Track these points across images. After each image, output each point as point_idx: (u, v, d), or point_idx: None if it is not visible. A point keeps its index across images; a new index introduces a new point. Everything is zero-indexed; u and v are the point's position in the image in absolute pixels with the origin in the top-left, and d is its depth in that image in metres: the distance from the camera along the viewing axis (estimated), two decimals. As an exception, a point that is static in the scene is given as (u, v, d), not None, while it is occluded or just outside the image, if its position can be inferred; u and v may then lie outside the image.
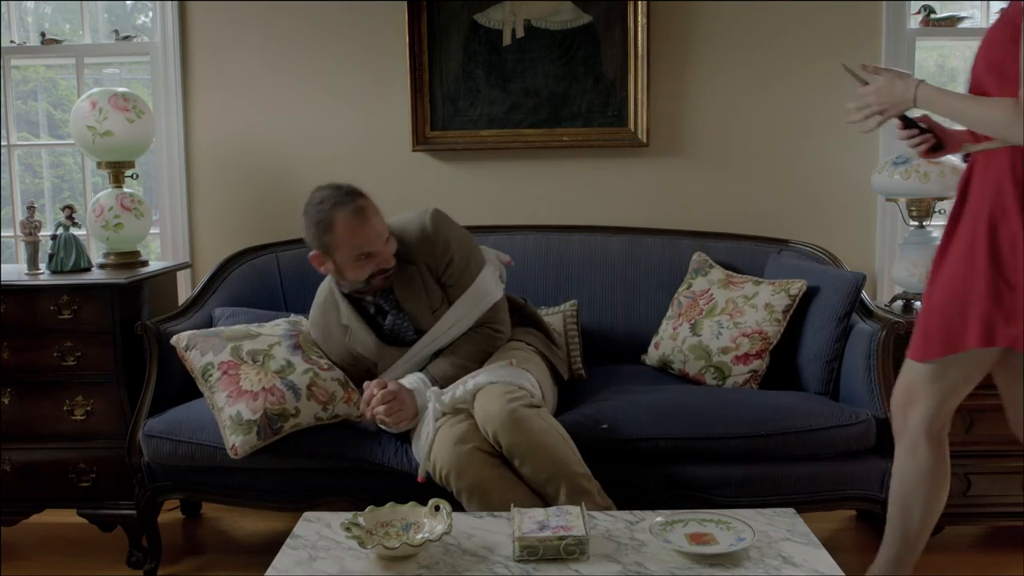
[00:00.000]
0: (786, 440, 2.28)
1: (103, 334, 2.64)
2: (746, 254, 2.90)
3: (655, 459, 2.31)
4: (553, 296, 2.90)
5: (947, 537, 2.65)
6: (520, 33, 3.10)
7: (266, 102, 3.21)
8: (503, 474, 2.08)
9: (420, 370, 2.34)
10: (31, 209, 2.86)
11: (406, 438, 2.31)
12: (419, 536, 1.72)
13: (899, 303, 2.81)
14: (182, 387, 2.55)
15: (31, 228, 2.85)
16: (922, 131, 1.99)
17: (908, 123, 1.99)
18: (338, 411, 2.34)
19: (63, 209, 2.89)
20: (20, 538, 2.85)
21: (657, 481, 2.31)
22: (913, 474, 1.96)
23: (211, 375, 2.35)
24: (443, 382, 2.26)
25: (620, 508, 2.00)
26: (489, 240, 2.89)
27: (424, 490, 2.08)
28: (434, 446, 2.12)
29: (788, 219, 3.13)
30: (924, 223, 2.80)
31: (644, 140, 3.11)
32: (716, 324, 2.60)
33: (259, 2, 3.16)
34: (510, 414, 2.05)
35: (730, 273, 2.77)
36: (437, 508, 1.78)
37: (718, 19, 3.10)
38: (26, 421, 2.66)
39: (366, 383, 2.27)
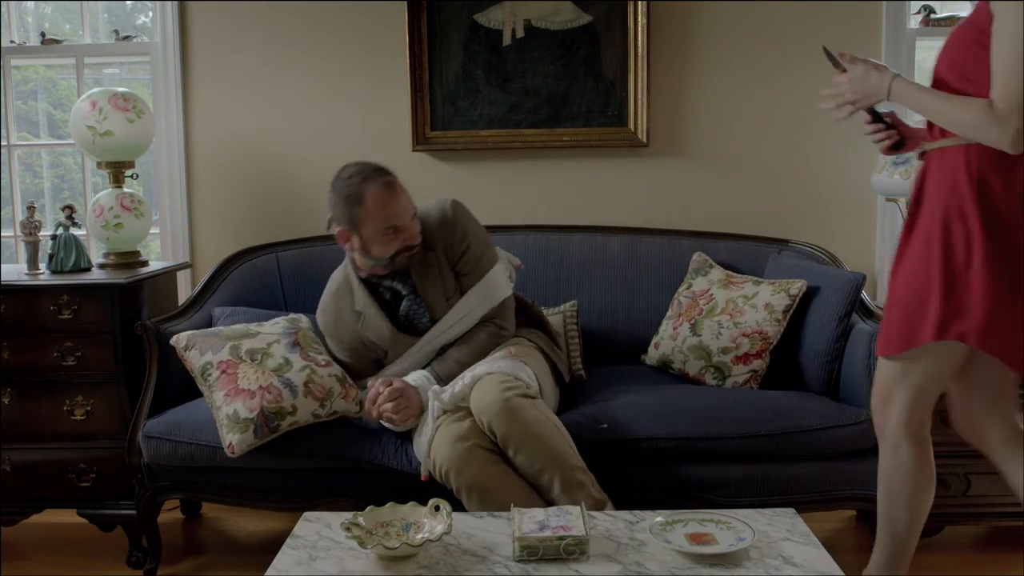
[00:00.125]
0: (786, 440, 2.28)
1: (103, 334, 2.64)
2: (746, 254, 2.90)
3: (655, 459, 2.31)
4: (553, 296, 2.90)
5: (947, 537, 2.65)
6: (520, 33, 3.10)
7: (266, 102, 3.21)
8: (503, 471, 2.08)
9: (424, 367, 2.35)
10: (31, 209, 2.86)
11: (407, 437, 2.31)
12: (419, 536, 1.72)
13: (899, 303, 2.80)
14: (182, 387, 2.55)
15: (31, 228, 2.85)
16: (887, 126, 2.00)
17: (875, 117, 2.00)
18: (336, 407, 2.34)
19: (63, 209, 2.89)
20: (20, 538, 2.85)
21: (657, 481, 2.31)
22: (896, 475, 1.96)
23: (210, 374, 2.35)
24: (447, 379, 2.27)
25: (620, 508, 2.00)
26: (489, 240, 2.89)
27: (424, 490, 2.08)
28: (434, 444, 2.12)
29: (788, 219, 3.13)
30: (924, 223, 2.79)
31: (644, 140, 3.11)
32: (716, 324, 2.60)
33: (259, 2, 3.16)
34: (505, 403, 2.06)
35: (730, 273, 2.77)
36: (437, 508, 1.78)
37: (718, 19, 3.10)
38: (26, 421, 2.66)
39: (371, 381, 2.28)
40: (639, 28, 3.05)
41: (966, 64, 1.80)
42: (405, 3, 3.06)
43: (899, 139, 2.01)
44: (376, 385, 2.23)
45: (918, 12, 3.10)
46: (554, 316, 2.76)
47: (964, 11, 3.16)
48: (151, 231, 3.12)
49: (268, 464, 2.37)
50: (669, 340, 2.70)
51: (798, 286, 2.56)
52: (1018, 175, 1.80)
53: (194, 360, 2.40)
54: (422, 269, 2.36)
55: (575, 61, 3.10)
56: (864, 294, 2.55)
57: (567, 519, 1.74)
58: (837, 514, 2.87)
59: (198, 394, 2.51)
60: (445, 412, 2.18)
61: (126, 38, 3.26)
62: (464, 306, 2.38)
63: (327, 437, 2.34)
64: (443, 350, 2.40)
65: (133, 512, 2.57)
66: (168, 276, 3.02)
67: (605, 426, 2.30)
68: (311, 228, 3.14)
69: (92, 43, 3.32)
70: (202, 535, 2.94)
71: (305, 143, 3.22)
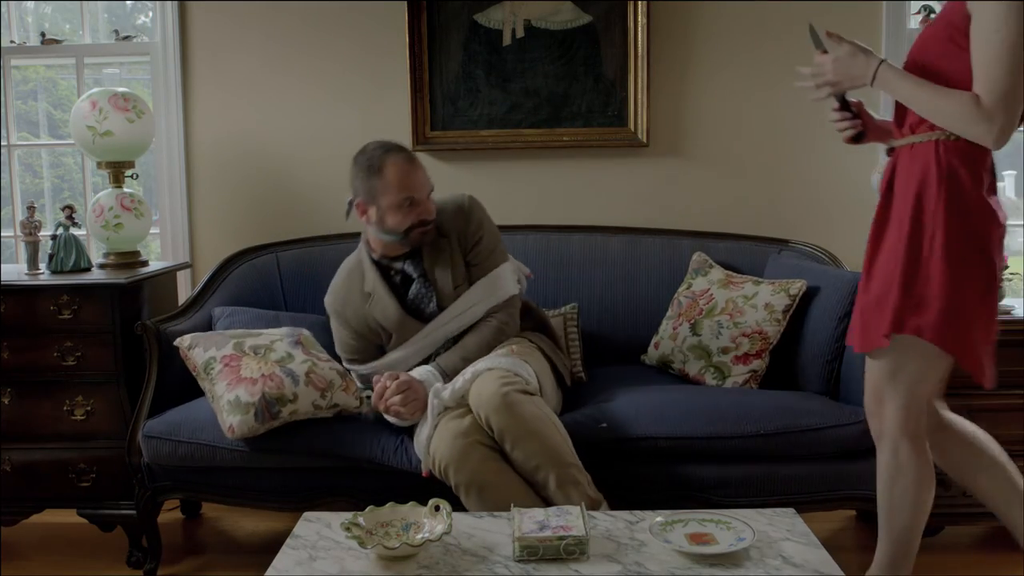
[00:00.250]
0: (786, 440, 2.28)
1: (103, 334, 2.64)
2: (746, 254, 2.90)
3: (655, 458, 2.31)
4: (553, 296, 2.90)
5: (947, 537, 2.65)
6: (520, 33, 3.10)
7: (266, 102, 3.21)
8: (502, 469, 2.09)
9: (428, 361, 2.37)
10: (31, 209, 2.86)
11: (408, 434, 2.31)
12: (419, 536, 1.72)
13: (899, 303, 2.81)
14: (182, 387, 2.55)
15: (31, 228, 2.85)
16: (853, 116, 1.98)
17: (843, 104, 1.98)
18: (336, 400, 2.35)
19: (63, 209, 2.89)
20: (20, 538, 2.85)
21: (657, 481, 2.31)
22: (897, 475, 1.95)
23: (213, 368, 2.37)
24: (452, 374, 2.28)
25: (620, 508, 2.00)
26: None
27: (424, 490, 2.08)
28: (434, 440, 2.13)
29: (788, 219, 3.13)
30: (924, 223, 2.80)
31: (644, 140, 3.11)
32: (716, 324, 2.61)
33: (259, 2, 3.16)
34: (503, 397, 2.06)
35: (730, 273, 2.77)
36: (437, 508, 1.78)
37: (718, 19, 3.10)
38: (26, 421, 2.66)
39: (376, 377, 2.29)
40: (639, 28, 3.05)
41: (940, 59, 1.80)
42: (405, 3, 3.06)
43: (862, 130, 1.99)
44: (383, 379, 2.24)
45: (918, 12, 3.09)
46: (554, 318, 2.76)
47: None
48: (151, 231, 3.12)
49: (268, 463, 2.37)
50: (669, 340, 2.70)
51: (798, 286, 2.56)
52: (985, 173, 1.85)
53: (197, 357, 2.41)
54: (434, 254, 2.40)
55: (575, 61, 3.10)
56: (864, 294, 2.55)
57: (567, 519, 1.74)
58: (837, 514, 2.87)
59: (198, 394, 2.51)
60: (446, 408, 2.18)
61: (126, 38, 3.26)
62: (471, 296, 2.40)
63: (327, 435, 2.34)
64: (447, 345, 2.41)
65: (133, 512, 2.57)
66: (168, 276, 3.02)
67: (604, 425, 2.30)
68: (311, 228, 3.14)
69: (92, 43, 3.32)
70: (202, 535, 2.94)
71: (305, 143, 3.22)
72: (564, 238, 2.99)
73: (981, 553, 2.66)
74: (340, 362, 2.50)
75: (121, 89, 2.91)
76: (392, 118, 3.16)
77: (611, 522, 1.84)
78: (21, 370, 2.65)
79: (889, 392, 1.90)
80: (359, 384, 2.46)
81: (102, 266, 2.93)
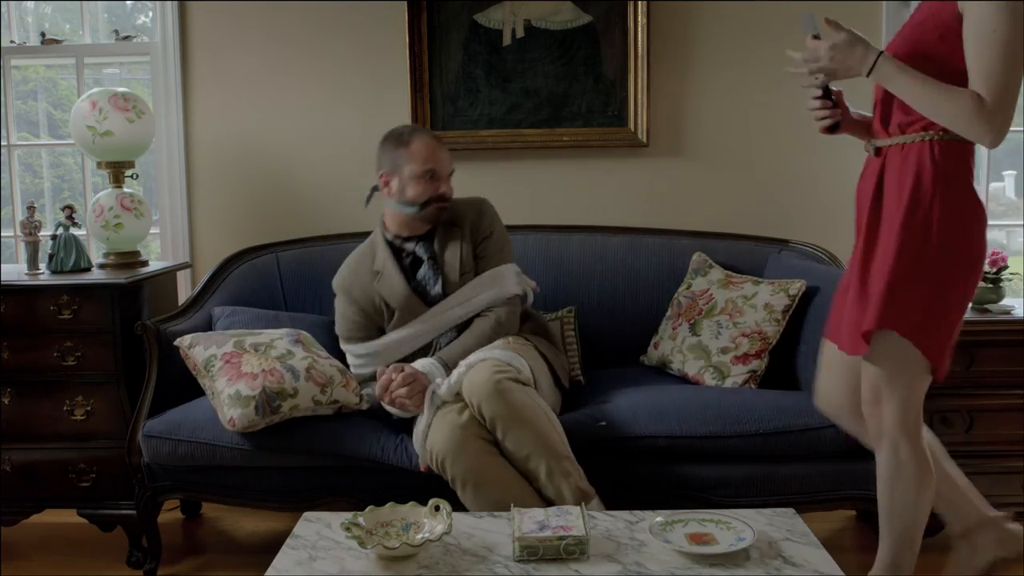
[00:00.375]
0: (786, 440, 2.28)
1: (103, 334, 2.64)
2: (746, 254, 2.90)
3: (654, 458, 2.31)
4: (553, 296, 2.90)
5: (947, 537, 2.65)
6: (520, 33, 3.10)
7: (266, 102, 3.21)
8: (500, 463, 2.09)
9: (429, 354, 2.39)
10: (31, 209, 2.86)
11: (407, 432, 2.32)
12: (419, 536, 1.72)
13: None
14: (182, 387, 2.55)
15: (31, 228, 2.85)
16: (833, 105, 1.96)
17: (825, 92, 1.94)
18: (336, 396, 2.36)
19: (63, 209, 2.89)
20: (20, 538, 2.85)
21: (657, 481, 2.31)
22: (898, 474, 1.95)
23: (213, 365, 2.38)
24: (453, 367, 2.30)
25: (620, 508, 2.00)
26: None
27: (424, 490, 2.08)
28: (431, 431, 2.14)
29: (788, 219, 3.13)
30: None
31: (644, 140, 3.11)
32: (715, 324, 2.61)
33: (259, 2, 3.16)
34: (495, 385, 2.08)
35: (730, 273, 2.77)
36: (437, 508, 1.78)
37: (718, 19, 3.10)
38: (26, 421, 2.66)
39: (380, 369, 2.30)
40: (639, 28, 3.05)
41: (929, 57, 1.79)
42: (405, 3, 3.06)
43: (840, 120, 1.97)
44: (388, 372, 2.26)
45: (918, 12, 3.10)
46: (552, 322, 2.76)
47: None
48: (151, 231, 3.12)
49: (268, 462, 2.37)
50: (668, 340, 2.70)
51: (797, 286, 2.56)
52: (971, 173, 1.85)
53: (198, 355, 2.42)
54: (445, 241, 2.47)
55: (575, 61, 3.10)
56: (864, 294, 2.55)
57: (567, 519, 1.74)
58: (837, 514, 2.87)
59: (197, 394, 2.51)
60: (444, 403, 2.19)
61: (126, 38, 3.26)
62: (475, 286, 2.44)
63: (327, 433, 2.34)
64: (448, 336, 2.44)
65: (133, 512, 2.57)
66: (168, 276, 3.02)
67: (604, 424, 2.30)
68: (311, 228, 3.14)
69: (92, 43, 3.32)
70: (202, 535, 2.94)
71: (305, 143, 3.22)
72: (564, 238, 2.99)
73: (981, 553, 2.65)
74: (341, 360, 2.51)
75: (121, 89, 2.91)
76: (392, 118, 3.15)
77: (611, 522, 1.84)
78: (21, 370, 2.65)
79: (888, 392, 1.90)
80: (364, 388, 2.47)
81: (102, 266, 2.93)
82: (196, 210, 3.27)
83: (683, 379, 2.65)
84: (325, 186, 3.21)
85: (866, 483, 2.29)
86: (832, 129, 1.98)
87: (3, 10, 3.28)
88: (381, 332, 2.50)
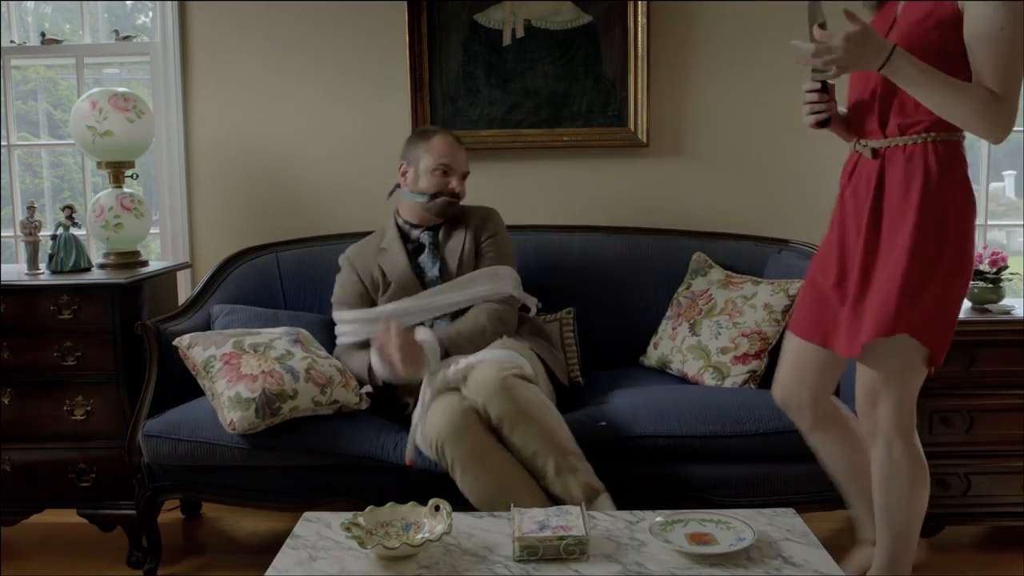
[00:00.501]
0: (786, 439, 2.28)
1: (103, 334, 2.64)
2: (746, 254, 2.90)
3: (654, 458, 2.31)
4: (552, 296, 2.89)
5: (947, 537, 2.66)
6: (520, 33, 3.10)
7: (266, 102, 3.21)
8: (499, 448, 2.11)
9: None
10: (31, 209, 2.86)
11: (406, 427, 2.32)
12: (419, 536, 1.72)
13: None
14: (182, 387, 2.55)
15: (31, 228, 2.85)
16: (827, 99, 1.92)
17: (824, 86, 1.90)
18: (336, 396, 2.37)
19: (63, 209, 2.89)
20: (20, 538, 2.85)
21: (657, 481, 2.32)
22: (893, 472, 1.96)
23: (213, 366, 2.38)
24: (447, 344, 2.35)
25: (620, 508, 2.00)
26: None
27: (424, 490, 2.08)
28: (429, 417, 2.15)
29: (788, 219, 3.13)
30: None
31: (644, 140, 3.11)
32: (715, 324, 2.61)
33: (259, 2, 3.16)
34: (501, 382, 2.11)
35: (729, 273, 2.77)
36: (437, 508, 1.78)
37: (718, 19, 3.10)
38: (26, 421, 2.66)
39: (383, 323, 2.31)
40: (639, 28, 3.05)
41: (932, 51, 1.78)
42: (405, 3, 3.06)
43: (832, 115, 1.94)
44: (392, 326, 2.28)
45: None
46: (550, 324, 2.77)
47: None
48: (151, 231, 3.12)
49: (268, 462, 2.37)
50: (668, 340, 2.70)
51: (797, 286, 2.56)
52: (967, 170, 1.87)
53: (197, 356, 2.42)
54: (449, 235, 2.59)
55: (575, 61, 3.10)
56: (864, 294, 2.55)
57: (567, 519, 1.74)
58: (837, 514, 2.86)
59: (197, 394, 2.51)
60: (447, 390, 2.21)
61: (126, 38, 3.26)
62: (471, 277, 2.52)
63: (327, 432, 2.35)
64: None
65: (133, 512, 2.57)
66: (168, 276, 3.02)
67: (604, 424, 2.30)
68: (311, 228, 3.14)
69: (92, 43, 3.32)
70: (202, 535, 2.94)
71: (305, 143, 3.22)
72: (564, 238, 2.99)
73: (981, 553, 2.66)
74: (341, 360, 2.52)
75: (121, 89, 2.91)
76: (392, 118, 3.16)
77: (611, 522, 1.84)
78: (21, 370, 2.65)
79: (886, 392, 1.90)
80: (363, 388, 2.48)
81: (102, 266, 2.93)
82: (196, 210, 3.27)
83: (683, 379, 2.65)
84: (325, 186, 3.21)
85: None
86: (823, 124, 1.95)
87: (3, 10, 3.29)
88: (374, 306, 2.55)
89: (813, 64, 1.80)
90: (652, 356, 2.76)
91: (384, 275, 2.56)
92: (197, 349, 2.43)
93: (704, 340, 2.60)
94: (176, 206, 3.25)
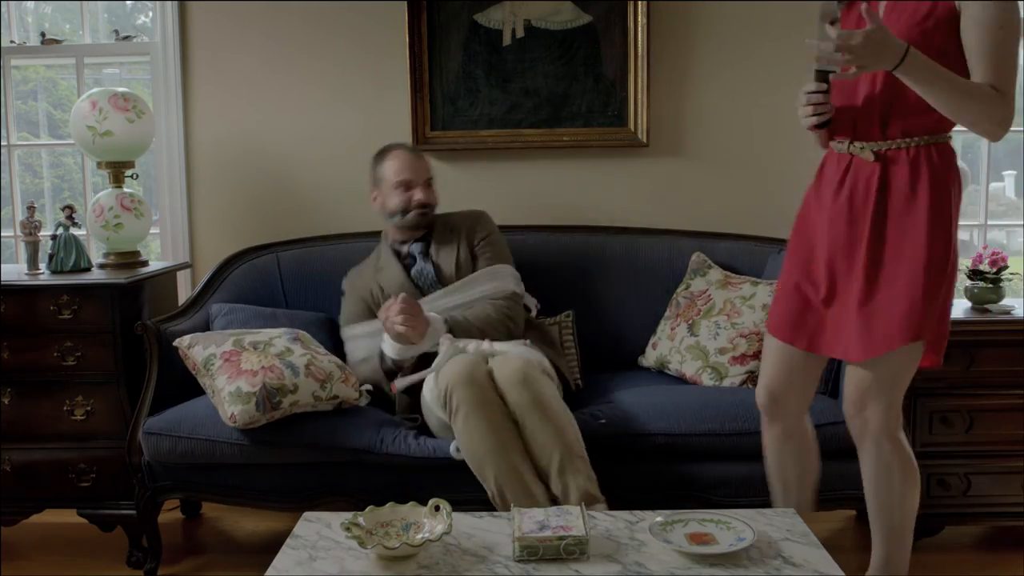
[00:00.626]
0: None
1: (103, 334, 2.64)
2: (746, 254, 2.90)
3: (654, 457, 2.32)
4: (552, 296, 2.89)
5: (947, 537, 2.66)
6: (520, 33, 3.10)
7: (266, 102, 3.21)
8: (501, 408, 2.15)
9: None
10: (31, 209, 2.86)
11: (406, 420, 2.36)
12: (419, 536, 1.72)
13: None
14: (182, 387, 2.55)
15: (31, 228, 2.85)
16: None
17: (828, 87, 1.84)
18: (336, 391, 2.38)
19: (63, 209, 2.89)
20: (20, 538, 2.85)
21: (657, 481, 2.32)
22: (884, 472, 1.96)
23: (213, 364, 2.39)
24: (456, 327, 2.40)
25: (620, 508, 2.00)
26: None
27: (424, 490, 2.09)
28: (445, 368, 2.20)
29: (788, 219, 3.10)
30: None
31: (644, 140, 3.11)
32: (714, 324, 2.61)
33: (259, 2, 3.16)
34: (524, 372, 2.17)
35: (728, 274, 2.77)
36: (437, 508, 1.78)
37: (718, 19, 3.10)
38: (26, 421, 2.66)
39: (387, 303, 2.36)
40: (639, 28, 3.05)
41: (935, 51, 1.76)
42: (405, 3, 3.06)
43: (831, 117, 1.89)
44: (394, 297, 2.34)
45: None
46: (550, 327, 2.78)
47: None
48: (151, 231, 3.12)
49: (268, 459, 2.37)
50: (667, 340, 2.70)
51: (798, 286, 2.56)
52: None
53: (197, 355, 2.42)
54: (441, 242, 2.64)
55: (575, 61, 3.10)
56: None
57: (567, 519, 1.74)
58: (837, 514, 2.87)
59: (198, 394, 2.51)
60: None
61: (126, 38, 3.26)
62: (470, 280, 2.55)
63: (326, 428, 2.35)
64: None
65: (133, 512, 2.57)
66: (168, 276, 3.02)
67: (604, 421, 2.31)
68: (311, 228, 3.14)
69: (92, 43, 3.32)
70: (202, 535, 2.94)
71: (305, 143, 3.22)
72: (564, 238, 2.99)
73: (981, 553, 2.66)
74: (340, 358, 2.54)
75: (121, 89, 2.91)
76: (392, 118, 3.16)
77: (611, 522, 1.84)
78: (21, 370, 2.65)
79: (879, 394, 1.90)
80: (364, 385, 2.49)
81: (102, 266, 2.93)
82: (196, 210, 3.27)
83: (681, 380, 2.65)
84: (325, 186, 3.21)
85: (866, 483, 2.29)
86: (823, 125, 1.92)
87: (3, 10, 3.28)
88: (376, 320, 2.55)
89: (832, 62, 1.73)
90: (650, 356, 2.76)
91: (383, 291, 2.58)
92: (197, 348, 2.44)
93: (703, 340, 2.61)
94: (176, 206, 3.25)
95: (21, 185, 3.43)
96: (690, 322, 2.66)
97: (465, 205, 2.84)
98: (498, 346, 2.32)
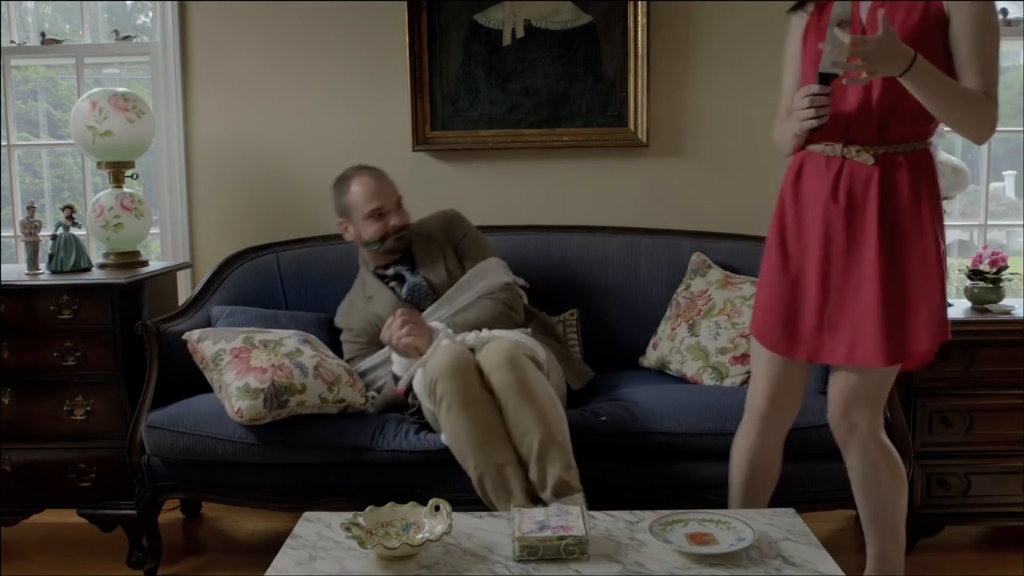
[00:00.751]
0: (786, 439, 2.27)
1: (103, 334, 2.64)
2: (746, 254, 2.90)
3: (654, 456, 2.32)
4: (552, 296, 2.89)
5: (947, 537, 2.66)
6: (520, 33, 3.10)
7: (266, 102, 3.21)
8: (486, 398, 2.13)
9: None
10: (31, 209, 2.86)
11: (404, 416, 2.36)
12: (419, 536, 1.72)
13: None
14: (182, 387, 2.55)
15: (31, 228, 2.85)
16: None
17: (827, 91, 1.80)
18: (343, 395, 2.38)
19: (63, 209, 2.89)
20: (20, 538, 2.85)
21: (657, 480, 2.32)
22: (872, 473, 1.98)
23: (222, 359, 2.40)
24: (454, 326, 2.38)
25: (620, 508, 2.00)
26: (489, 240, 2.89)
27: (424, 490, 2.08)
28: (432, 359, 2.19)
29: (788, 219, 3.13)
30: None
31: (644, 140, 3.11)
32: (714, 324, 2.61)
33: (259, 2, 3.16)
34: (510, 356, 2.15)
35: (728, 274, 2.78)
36: (437, 508, 1.78)
37: (718, 19, 3.10)
38: (26, 421, 2.66)
39: (388, 320, 2.35)
40: (639, 28, 3.05)
41: (931, 55, 1.75)
42: (405, 3, 3.06)
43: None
44: (394, 315, 2.33)
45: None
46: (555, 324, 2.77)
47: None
48: (151, 231, 3.12)
49: (269, 458, 2.37)
50: (667, 340, 2.70)
51: (798, 286, 2.56)
52: None
53: (207, 349, 2.44)
54: (423, 254, 2.60)
55: (575, 61, 3.10)
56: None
57: (567, 519, 1.74)
58: (837, 514, 2.87)
59: (198, 394, 2.51)
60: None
61: (126, 38, 3.26)
62: (461, 286, 2.53)
63: (328, 428, 2.36)
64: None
65: (133, 512, 2.57)
66: (168, 276, 3.03)
67: (604, 419, 2.31)
68: (311, 228, 3.14)
69: (92, 43, 3.32)
70: (202, 535, 2.94)
71: (305, 143, 3.22)
72: (564, 238, 2.99)
73: (981, 553, 2.66)
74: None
75: (121, 89, 2.91)
76: (392, 118, 3.16)
77: (611, 522, 1.84)
78: (21, 370, 2.65)
79: (866, 397, 1.92)
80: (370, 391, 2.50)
81: (102, 266, 2.93)
82: (196, 210, 3.27)
83: (682, 379, 2.65)
84: (325, 186, 3.18)
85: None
86: (816, 128, 1.86)
87: (3, 10, 3.29)
88: (381, 347, 2.52)
89: (840, 66, 1.70)
90: (651, 356, 2.76)
91: (381, 319, 2.48)
92: (207, 343, 2.45)
93: (703, 340, 2.61)
94: (176, 206, 3.25)
95: (21, 185, 3.43)
96: (690, 322, 2.66)
97: (465, 205, 2.84)
98: (495, 332, 2.31)
